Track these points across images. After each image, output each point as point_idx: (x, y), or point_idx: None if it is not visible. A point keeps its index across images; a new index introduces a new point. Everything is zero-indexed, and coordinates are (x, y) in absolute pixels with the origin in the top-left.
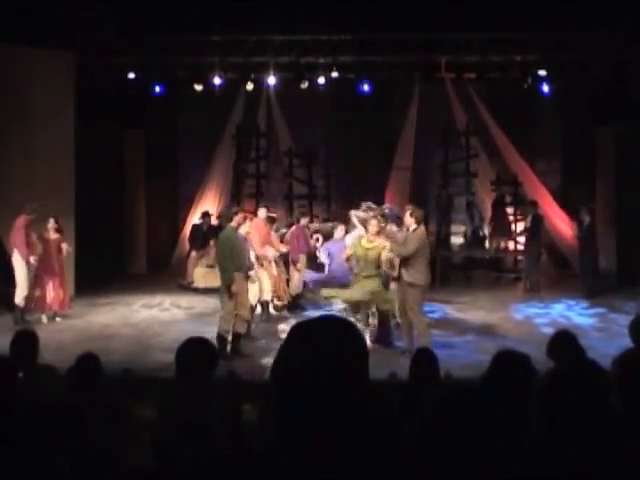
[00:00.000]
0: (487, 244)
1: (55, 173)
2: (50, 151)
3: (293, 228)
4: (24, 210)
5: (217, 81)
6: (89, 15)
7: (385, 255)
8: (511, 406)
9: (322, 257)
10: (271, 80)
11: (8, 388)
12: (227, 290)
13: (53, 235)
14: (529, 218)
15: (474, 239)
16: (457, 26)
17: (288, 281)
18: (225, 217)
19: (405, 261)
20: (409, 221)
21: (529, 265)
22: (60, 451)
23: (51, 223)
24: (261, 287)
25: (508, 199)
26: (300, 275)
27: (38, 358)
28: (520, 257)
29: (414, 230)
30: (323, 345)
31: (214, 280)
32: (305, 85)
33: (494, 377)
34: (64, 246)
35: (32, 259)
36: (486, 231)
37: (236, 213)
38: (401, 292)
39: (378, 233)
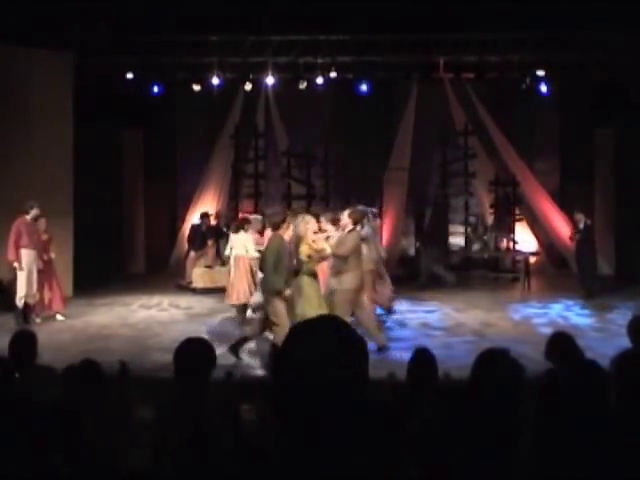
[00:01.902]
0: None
1: (54, 173)
2: (49, 151)
3: None
4: (23, 210)
5: (215, 81)
6: (87, 15)
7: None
8: (503, 405)
9: None
10: (269, 80)
11: (6, 388)
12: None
13: (44, 236)
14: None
15: (479, 238)
16: (455, 26)
17: None
18: (271, 224)
19: (336, 264)
20: (346, 221)
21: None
22: (58, 451)
23: (43, 224)
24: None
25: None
26: None
27: (37, 358)
28: (519, 257)
29: (349, 231)
30: (322, 345)
31: (212, 280)
32: (303, 85)
33: (479, 379)
34: (51, 248)
35: (16, 265)
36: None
37: (283, 221)
38: (331, 295)
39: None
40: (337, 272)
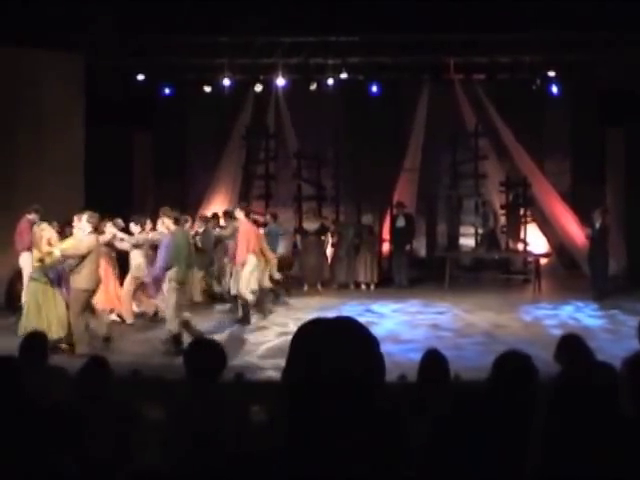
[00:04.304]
0: (502, 245)
1: (65, 175)
2: (60, 153)
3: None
4: (26, 211)
5: (226, 82)
6: (97, 17)
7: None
8: (517, 407)
9: None
10: (280, 81)
11: (16, 388)
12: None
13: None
14: (401, 219)
15: (488, 240)
16: (465, 27)
17: None
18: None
19: (73, 265)
20: (84, 225)
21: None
22: (67, 451)
23: (55, 227)
24: None
25: (519, 200)
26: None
27: (47, 359)
28: (530, 259)
29: (88, 234)
30: (336, 346)
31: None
32: (314, 86)
33: (497, 381)
34: None
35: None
36: (499, 232)
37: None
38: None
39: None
40: (73, 272)
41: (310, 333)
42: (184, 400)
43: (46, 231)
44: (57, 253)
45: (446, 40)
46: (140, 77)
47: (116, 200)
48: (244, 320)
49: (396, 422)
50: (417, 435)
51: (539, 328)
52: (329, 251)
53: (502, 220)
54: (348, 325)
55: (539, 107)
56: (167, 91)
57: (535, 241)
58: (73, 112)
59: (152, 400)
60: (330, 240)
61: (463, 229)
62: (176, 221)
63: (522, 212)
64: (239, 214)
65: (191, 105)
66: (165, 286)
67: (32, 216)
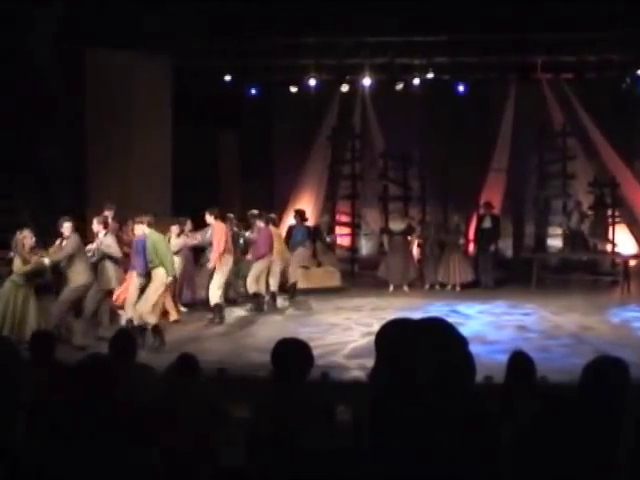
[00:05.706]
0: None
1: (153, 174)
2: (148, 152)
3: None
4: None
5: (312, 83)
6: (185, 18)
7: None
8: (608, 410)
9: None
10: (366, 81)
11: (107, 387)
12: None
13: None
14: (487, 220)
15: (573, 241)
16: (553, 26)
17: None
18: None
19: (66, 265)
20: (67, 230)
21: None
22: (154, 450)
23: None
24: None
25: (608, 200)
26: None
27: (136, 357)
28: (618, 260)
29: (67, 238)
30: (426, 346)
31: (309, 281)
32: (400, 86)
33: (588, 387)
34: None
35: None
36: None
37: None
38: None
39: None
40: (65, 275)
41: (400, 333)
42: (269, 399)
43: (27, 238)
44: (46, 262)
45: (533, 39)
46: (227, 78)
47: (202, 199)
48: (215, 319)
49: (484, 424)
50: (503, 437)
51: (627, 330)
52: (415, 252)
53: (588, 221)
54: (438, 325)
55: (629, 106)
56: (253, 91)
57: (624, 242)
58: (161, 112)
59: (237, 399)
60: (416, 241)
61: (550, 230)
62: (150, 226)
63: (610, 213)
64: (209, 218)
65: (277, 105)
66: (135, 283)
67: (107, 213)
